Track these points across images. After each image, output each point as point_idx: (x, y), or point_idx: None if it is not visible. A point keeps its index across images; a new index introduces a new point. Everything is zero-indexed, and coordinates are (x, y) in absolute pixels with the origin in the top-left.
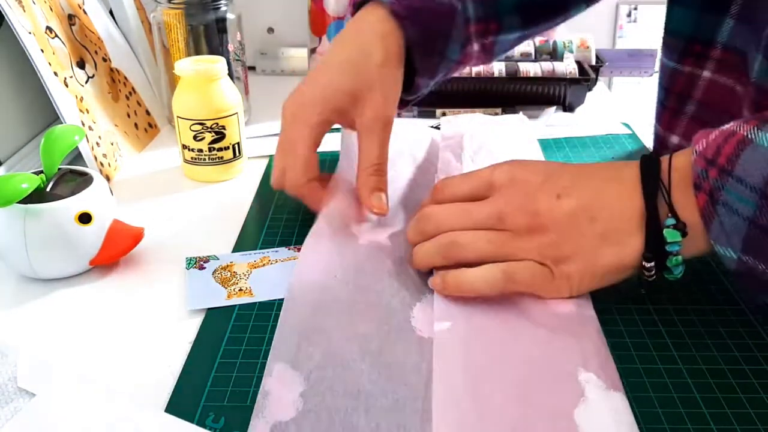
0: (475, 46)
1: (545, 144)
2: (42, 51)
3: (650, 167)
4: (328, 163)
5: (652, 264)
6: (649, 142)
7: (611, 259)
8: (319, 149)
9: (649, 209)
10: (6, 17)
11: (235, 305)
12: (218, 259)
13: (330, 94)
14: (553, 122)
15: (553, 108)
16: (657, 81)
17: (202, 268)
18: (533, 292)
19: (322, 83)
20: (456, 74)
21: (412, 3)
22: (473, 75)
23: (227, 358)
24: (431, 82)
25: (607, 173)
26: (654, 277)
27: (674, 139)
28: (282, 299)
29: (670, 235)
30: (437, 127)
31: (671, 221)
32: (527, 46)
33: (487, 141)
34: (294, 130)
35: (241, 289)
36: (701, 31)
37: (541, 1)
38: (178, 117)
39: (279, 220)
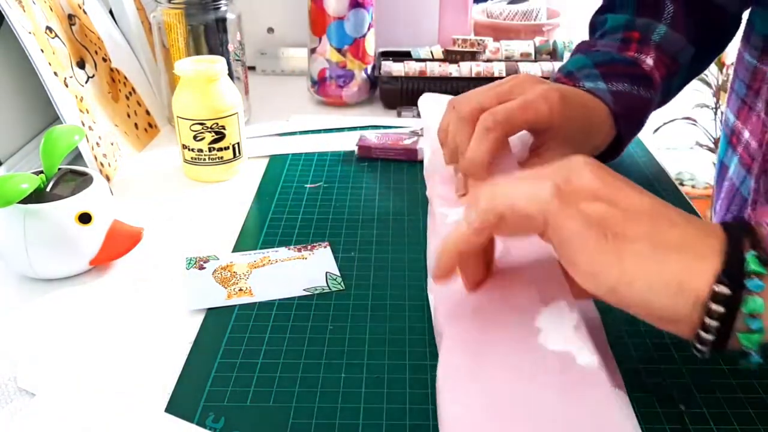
0: None
1: None
2: (42, 51)
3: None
4: (329, 161)
5: (726, 291)
6: (648, 143)
7: (677, 267)
8: (321, 149)
9: (731, 235)
10: (6, 17)
11: (235, 305)
12: (218, 259)
13: (563, 122)
14: None
15: None
16: (732, 78)
17: (202, 268)
18: (573, 249)
19: (563, 107)
20: (456, 75)
21: (627, 101)
22: (473, 75)
23: (227, 358)
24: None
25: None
26: (717, 333)
27: (746, 135)
28: (282, 299)
29: (752, 261)
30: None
31: (753, 252)
32: (528, 47)
33: None
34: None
35: (241, 289)
36: None
37: (689, 81)
38: (178, 117)
39: (279, 220)
